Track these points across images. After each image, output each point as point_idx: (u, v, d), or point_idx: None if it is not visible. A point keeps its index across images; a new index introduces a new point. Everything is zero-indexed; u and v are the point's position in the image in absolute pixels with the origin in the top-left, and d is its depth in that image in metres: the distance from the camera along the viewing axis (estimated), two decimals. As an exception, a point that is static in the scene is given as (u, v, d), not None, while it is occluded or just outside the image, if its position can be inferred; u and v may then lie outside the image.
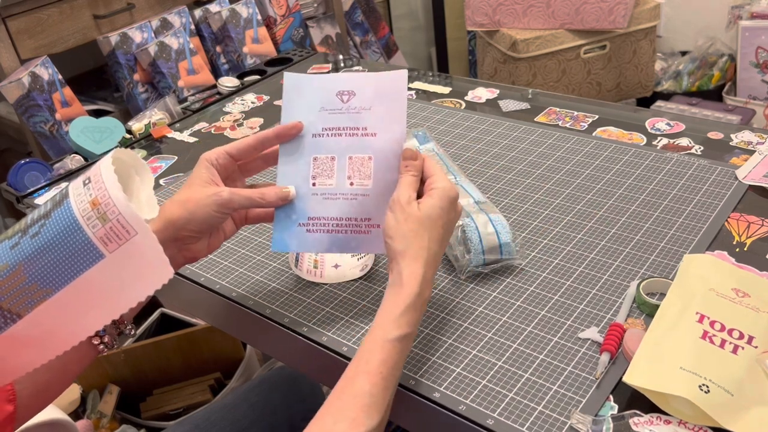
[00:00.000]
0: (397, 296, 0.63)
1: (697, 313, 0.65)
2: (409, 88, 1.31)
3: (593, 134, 1.07)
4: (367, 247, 0.72)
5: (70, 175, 1.18)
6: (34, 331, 0.55)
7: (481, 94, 1.25)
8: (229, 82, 1.43)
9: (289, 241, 0.72)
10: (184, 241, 0.71)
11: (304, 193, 0.72)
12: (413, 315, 0.63)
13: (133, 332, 0.75)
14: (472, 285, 0.79)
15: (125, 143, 1.25)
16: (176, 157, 1.18)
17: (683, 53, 2.47)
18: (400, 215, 0.65)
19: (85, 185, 0.56)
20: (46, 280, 0.54)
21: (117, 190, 0.54)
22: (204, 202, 0.68)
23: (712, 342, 0.62)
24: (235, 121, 1.28)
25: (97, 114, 1.84)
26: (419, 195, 0.68)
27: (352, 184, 0.71)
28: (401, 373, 0.63)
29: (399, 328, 0.61)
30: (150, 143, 1.25)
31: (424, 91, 1.30)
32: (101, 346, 0.72)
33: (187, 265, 0.88)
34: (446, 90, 1.29)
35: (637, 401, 0.61)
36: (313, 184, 0.72)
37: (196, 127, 1.28)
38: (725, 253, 0.79)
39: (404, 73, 0.72)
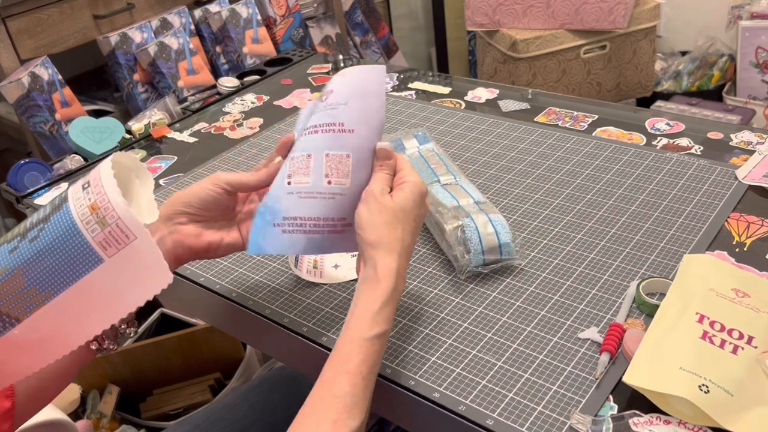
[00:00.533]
0: (373, 292, 0.62)
1: (696, 313, 0.65)
2: (409, 88, 1.31)
3: (593, 134, 1.07)
4: (340, 247, 0.70)
5: (70, 175, 1.18)
6: (33, 336, 0.55)
7: (481, 94, 1.25)
8: (228, 82, 1.43)
9: (264, 243, 0.69)
10: (177, 218, 0.70)
11: (279, 194, 0.68)
12: (390, 311, 0.62)
13: (132, 333, 0.74)
14: (472, 285, 0.79)
15: (125, 143, 1.25)
16: (176, 158, 1.18)
17: (683, 53, 2.47)
18: (374, 206, 0.65)
19: (84, 189, 0.55)
20: (44, 285, 0.54)
21: (116, 195, 0.54)
22: (200, 184, 0.71)
23: (711, 342, 0.62)
24: (234, 121, 1.28)
25: (97, 114, 1.84)
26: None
27: (330, 182, 0.67)
28: (378, 370, 0.63)
29: (377, 326, 0.61)
30: (150, 143, 1.25)
31: (424, 91, 1.29)
32: (95, 348, 0.71)
33: (187, 265, 0.88)
34: (446, 90, 1.29)
35: (636, 401, 0.61)
36: (288, 183, 0.68)
37: (196, 128, 1.28)
38: (725, 253, 0.79)
39: (382, 68, 0.70)
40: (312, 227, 0.68)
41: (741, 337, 0.62)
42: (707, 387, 0.57)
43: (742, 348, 0.62)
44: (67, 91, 1.72)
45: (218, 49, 2.00)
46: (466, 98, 1.25)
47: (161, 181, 1.11)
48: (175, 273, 0.87)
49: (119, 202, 0.54)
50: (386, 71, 0.71)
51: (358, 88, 0.69)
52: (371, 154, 0.68)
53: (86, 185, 0.56)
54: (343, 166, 0.67)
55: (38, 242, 0.54)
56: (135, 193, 0.65)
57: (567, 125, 1.10)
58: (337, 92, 0.69)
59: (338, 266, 0.83)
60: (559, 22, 2.12)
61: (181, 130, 1.28)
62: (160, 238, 0.70)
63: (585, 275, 0.78)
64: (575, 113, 1.14)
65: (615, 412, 0.62)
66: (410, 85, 1.32)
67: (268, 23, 2.07)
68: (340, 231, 0.69)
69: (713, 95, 2.31)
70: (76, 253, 0.54)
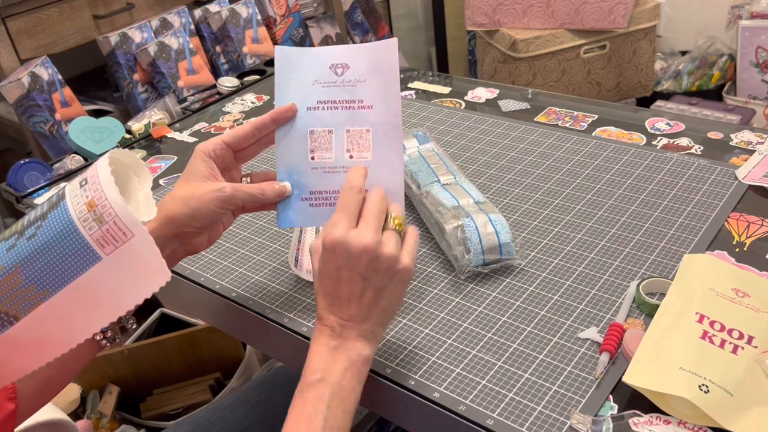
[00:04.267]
0: None
1: (696, 313, 0.64)
2: (409, 88, 1.31)
3: (593, 134, 1.07)
4: None
5: (70, 175, 1.18)
6: (32, 334, 0.55)
7: (481, 94, 1.25)
8: (228, 82, 1.43)
9: (294, 217, 0.73)
10: (185, 236, 0.71)
11: (303, 168, 0.72)
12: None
13: (134, 326, 0.75)
14: (472, 285, 0.79)
15: (125, 143, 1.25)
16: (176, 158, 1.18)
17: (683, 53, 2.47)
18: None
19: (81, 186, 0.55)
20: (43, 283, 0.54)
21: (113, 192, 0.54)
22: (206, 198, 0.68)
23: (711, 342, 0.62)
24: (234, 121, 1.28)
25: (97, 114, 1.84)
26: None
27: (351, 157, 0.71)
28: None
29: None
30: (150, 143, 1.25)
31: (424, 91, 1.29)
32: (104, 342, 0.72)
33: (187, 265, 0.88)
34: (446, 90, 1.29)
35: (636, 401, 0.61)
36: (312, 158, 0.72)
37: (196, 127, 1.28)
38: (725, 253, 0.79)
39: (395, 42, 0.72)
40: (336, 200, 0.72)
41: (741, 337, 0.62)
42: (707, 387, 0.57)
43: (742, 348, 0.61)
44: (67, 91, 1.72)
45: (218, 48, 2.00)
46: (466, 98, 1.25)
47: (161, 181, 1.11)
48: (175, 273, 0.87)
49: (116, 200, 0.54)
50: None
51: (375, 64, 0.72)
52: (392, 126, 0.71)
53: (83, 182, 0.56)
54: (363, 140, 0.71)
55: (36, 240, 0.54)
56: (133, 189, 0.65)
57: (567, 125, 1.10)
58: (354, 68, 0.72)
59: (338, 266, 0.83)
60: (559, 21, 2.12)
61: (181, 130, 1.28)
62: (172, 251, 0.71)
63: (585, 275, 0.78)
64: (575, 113, 1.14)
65: (615, 412, 0.62)
66: (410, 85, 1.32)
67: (268, 23, 2.06)
68: None
69: (713, 95, 2.31)
70: (73, 250, 0.54)
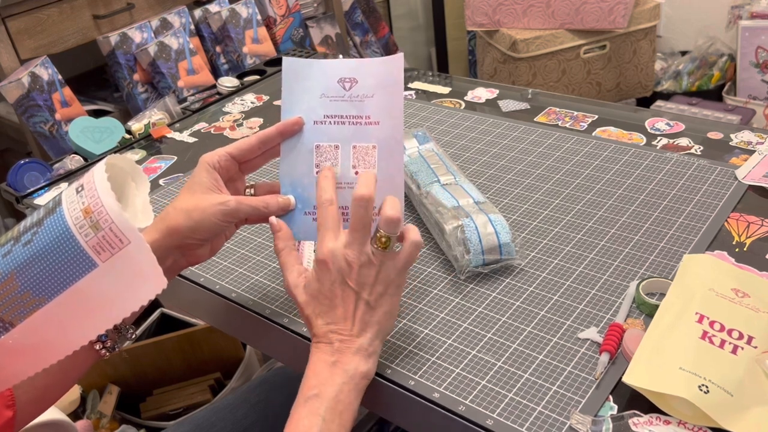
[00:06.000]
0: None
1: (696, 313, 0.65)
2: (409, 88, 1.31)
3: (593, 134, 1.07)
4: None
5: (70, 175, 1.18)
6: (28, 340, 0.55)
7: (481, 94, 1.25)
8: (228, 82, 1.43)
9: (296, 231, 0.72)
10: (187, 247, 0.71)
11: (308, 182, 0.72)
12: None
13: (133, 335, 0.74)
14: (471, 285, 0.79)
15: (125, 143, 1.25)
16: (176, 158, 1.18)
17: (683, 53, 2.48)
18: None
19: (78, 192, 0.55)
20: (38, 289, 0.54)
21: (110, 198, 0.53)
22: (210, 211, 0.68)
23: (711, 342, 0.62)
24: (234, 121, 1.28)
25: (97, 114, 1.84)
26: None
27: (357, 173, 0.71)
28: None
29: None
30: (149, 143, 1.25)
31: (424, 91, 1.29)
32: (103, 351, 0.72)
33: (186, 266, 0.88)
34: (446, 90, 1.29)
35: (636, 401, 0.61)
36: (317, 173, 0.71)
37: (196, 128, 1.28)
38: (725, 253, 0.79)
39: (401, 57, 0.72)
40: (340, 216, 0.71)
41: (741, 337, 0.62)
42: (707, 387, 0.57)
43: (742, 348, 0.62)
44: (67, 91, 1.72)
45: (218, 49, 2.00)
46: (466, 98, 1.25)
47: (161, 181, 1.11)
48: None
49: (113, 206, 0.53)
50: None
51: (383, 80, 0.71)
52: (396, 142, 0.71)
53: (80, 188, 0.55)
54: (369, 157, 0.71)
55: (32, 246, 0.54)
56: (130, 195, 0.64)
57: (567, 125, 1.10)
58: (362, 83, 0.71)
59: (338, 266, 0.83)
60: (559, 21, 2.12)
61: (181, 130, 1.28)
62: (174, 262, 0.71)
63: (585, 275, 0.78)
64: (575, 113, 1.14)
65: (615, 412, 0.62)
66: (410, 85, 1.32)
67: (268, 23, 2.07)
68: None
69: (713, 95, 2.31)
70: (69, 257, 0.53)
